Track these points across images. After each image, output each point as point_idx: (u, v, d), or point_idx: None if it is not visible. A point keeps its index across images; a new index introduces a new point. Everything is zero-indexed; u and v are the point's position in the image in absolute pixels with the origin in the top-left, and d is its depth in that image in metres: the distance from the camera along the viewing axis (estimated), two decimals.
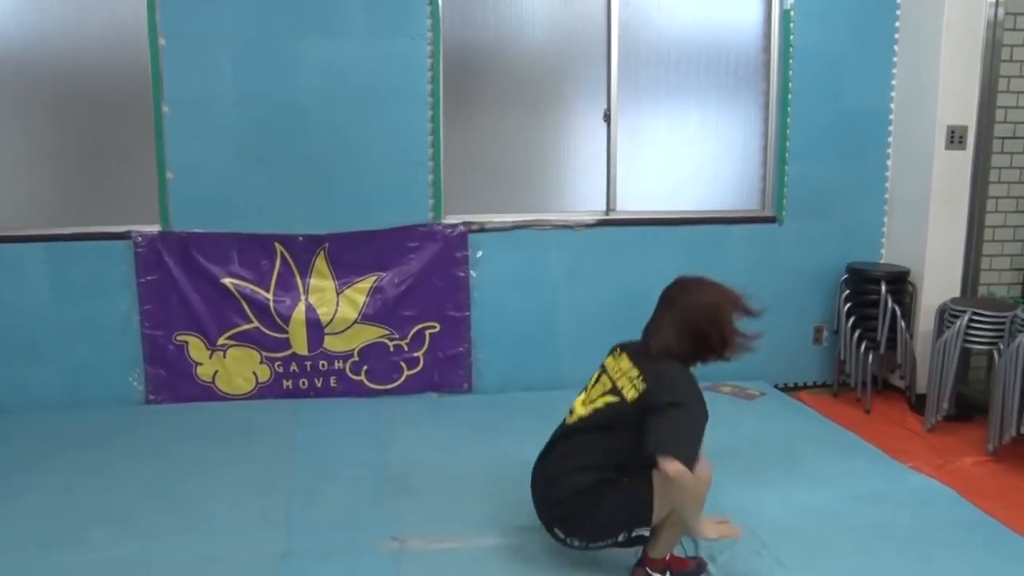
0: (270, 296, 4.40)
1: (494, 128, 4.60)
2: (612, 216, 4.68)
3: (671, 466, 2.29)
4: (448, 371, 4.56)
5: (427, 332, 4.52)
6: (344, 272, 4.43)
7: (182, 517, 3.06)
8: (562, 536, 2.61)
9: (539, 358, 4.67)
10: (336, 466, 3.56)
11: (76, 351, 4.39)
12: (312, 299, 4.42)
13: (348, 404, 4.40)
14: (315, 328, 4.41)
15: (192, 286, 4.37)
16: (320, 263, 4.41)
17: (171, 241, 4.34)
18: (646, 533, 2.55)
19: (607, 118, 4.62)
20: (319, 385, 4.47)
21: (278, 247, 4.38)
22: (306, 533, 2.98)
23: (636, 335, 4.60)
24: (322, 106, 4.37)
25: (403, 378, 4.53)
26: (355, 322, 4.43)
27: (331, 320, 4.42)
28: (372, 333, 4.46)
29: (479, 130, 4.58)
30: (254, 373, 4.44)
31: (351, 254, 4.41)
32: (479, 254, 4.54)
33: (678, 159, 4.77)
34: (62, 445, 3.82)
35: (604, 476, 2.53)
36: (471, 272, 4.53)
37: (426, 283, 4.47)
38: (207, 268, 4.35)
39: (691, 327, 2.51)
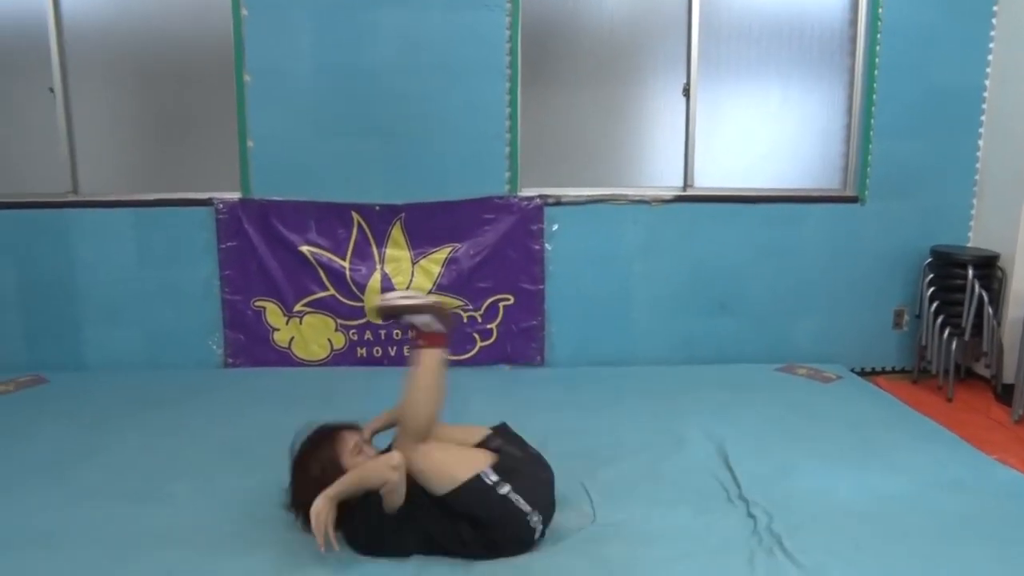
0: (346, 264, 4.44)
1: (571, 101, 4.56)
2: (689, 192, 4.61)
3: None
4: (521, 344, 4.56)
5: (501, 304, 4.52)
6: (420, 242, 4.45)
7: (257, 478, 3.10)
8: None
9: (612, 333, 4.64)
10: None
11: (159, 314, 4.50)
12: (387, 268, 4.46)
13: None
14: None
15: (271, 253, 4.44)
16: (396, 233, 4.44)
17: (251, 208, 4.41)
18: None
19: (686, 92, 4.54)
20: (392, 354, 4.52)
21: (355, 216, 4.42)
22: None
23: (709, 312, 4.60)
24: (399, 77, 4.38)
25: (476, 349, 4.54)
26: (430, 292, 4.45)
27: (406, 290, 4.45)
28: (447, 304, 4.47)
29: (556, 103, 4.55)
30: (329, 340, 4.50)
31: (427, 225, 4.43)
32: (554, 227, 4.52)
33: (757, 135, 4.68)
34: (143, 404, 3.90)
35: None
36: (546, 245, 4.52)
37: (501, 255, 4.47)
38: (285, 235, 4.41)
39: None
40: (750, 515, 2.81)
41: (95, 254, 4.49)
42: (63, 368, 4.47)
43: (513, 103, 4.42)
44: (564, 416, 3.80)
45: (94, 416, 3.74)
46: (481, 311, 4.52)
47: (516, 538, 2.49)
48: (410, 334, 2.73)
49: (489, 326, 4.53)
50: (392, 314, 2.57)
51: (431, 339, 2.56)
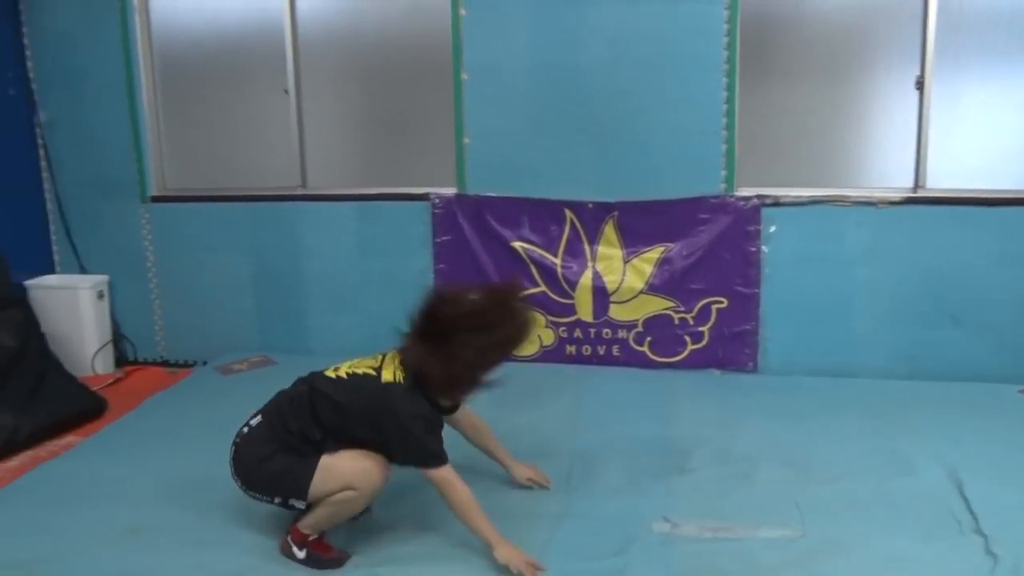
0: (558, 261, 4.46)
1: (791, 96, 4.35)
2: (920, 193, 4.29)
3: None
4: (733, 348, 4.42)
5: (713, 307, 4.39)
6: (632, 241, 4.40)
7: (467, 474, 3.15)
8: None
9: (830, 342, 4.40)
10: (616, 437, 3.54)
11: (377, 302, 4.69)
12: (599, 266, 4.43)
13: (630, 374, 4.37)
14: (601, 296, 4.43)
15: (483, 248, 4.52)
16: (609, 231, 4.41)
17: (466, 203, 4.51)
18: (301, 506, 2.57)
19: (919, 85, 4.23)
20: (602, 353, 4.50)
21: (568, 213, 4.42)
22: (583, 500, 2.99)
23: (938, 324, 4.26)
24: (613, 72, 4.32)
25: (686, 352, 4.45)
26: (641, 292, 4.40)
27: (617, 289, 4.41)
28: (657, 304, 4.40)
29: (775, 98, 4.35)
30: (539, 336, 4.53)
31: (640, 223, 4.37)
32: (772, 229, 4.34)
33: (1002, 131, 4.29)
34: None
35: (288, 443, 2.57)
36: (763, 247, 4.34)
37: (715, 256, 4.34)
38: (498, 231, 4.48)
39: None
40: (989, 552, 2.57)
41: (321, 244, 4.74)
42: (290, 351, 4.74)
43: (731, 98, 4.27)
44: (777, 426, 3.66)
45: None
46: (693, 313, 4.41)
47: None
48: None
49: (701, 329, 4.42)
50: None
51: None
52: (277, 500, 2.61)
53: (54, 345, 4.45)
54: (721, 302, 4.38)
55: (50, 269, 5.10)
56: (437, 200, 4.53)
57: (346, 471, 2.52)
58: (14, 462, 3.60)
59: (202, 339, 4.95)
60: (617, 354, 4.47)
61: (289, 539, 2.65)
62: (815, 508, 2.86)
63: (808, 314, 4.39)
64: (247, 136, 4.84)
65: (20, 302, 4.40)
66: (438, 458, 2.53)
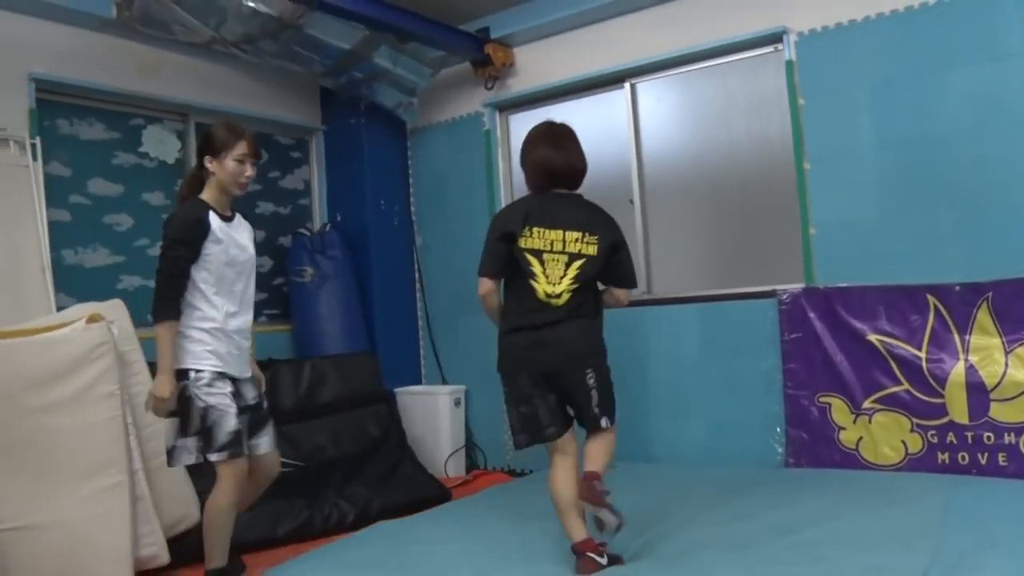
0: (922, 355, 3.97)
1: None
2: None
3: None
4: None
5: None
6: (1013, 327, 3.79)
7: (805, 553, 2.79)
8: (592, 382, 3.01)
9: None
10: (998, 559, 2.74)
11: (721, 407, 4.50)
12: (973, 358, 3.87)
13: (1019, 489, 3.59)
14: (978, 393, 3.83)
15: (836, 344, 4.19)
16: (983, 316, 3.86)
17: (815, 297, 4.25)
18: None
19: None
20: (983, 461, 3.83)
21: (931, 299, 3.97)
22: None
23: None
24: (976, 141, 3.92)
25: None
26: None
27: (998, 384, 3.79)
28: None
29: None
30: (903, 442, 4.02)
31: (1022, 304, 3.78)
32: None
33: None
34: (703, 495, 3.83)
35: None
36: None
37: None
38: (852, 324, 4.14)
39: None
40: None
41: (664, 348, 4.69)
42: (633, 458, 4.66)
43: None
44: None
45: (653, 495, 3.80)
46: None
47: None
48: None
49: None
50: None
51: None
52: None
53: (413, 447, 4.81)
54: None
55: (418, 380, 5.60)
56: (784, 296, 4.32)
57: None
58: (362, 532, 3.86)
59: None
60: (1003, 463, 3.77)
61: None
62: None
63: None
64: None
65: (387, 400, 4.85)
66: None
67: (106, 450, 3.41)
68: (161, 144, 4.87)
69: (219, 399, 2.91)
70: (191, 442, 2.92)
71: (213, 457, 2.92)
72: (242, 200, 5.08)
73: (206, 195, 3.03)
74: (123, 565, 3.32)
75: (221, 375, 2.96)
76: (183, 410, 2.91)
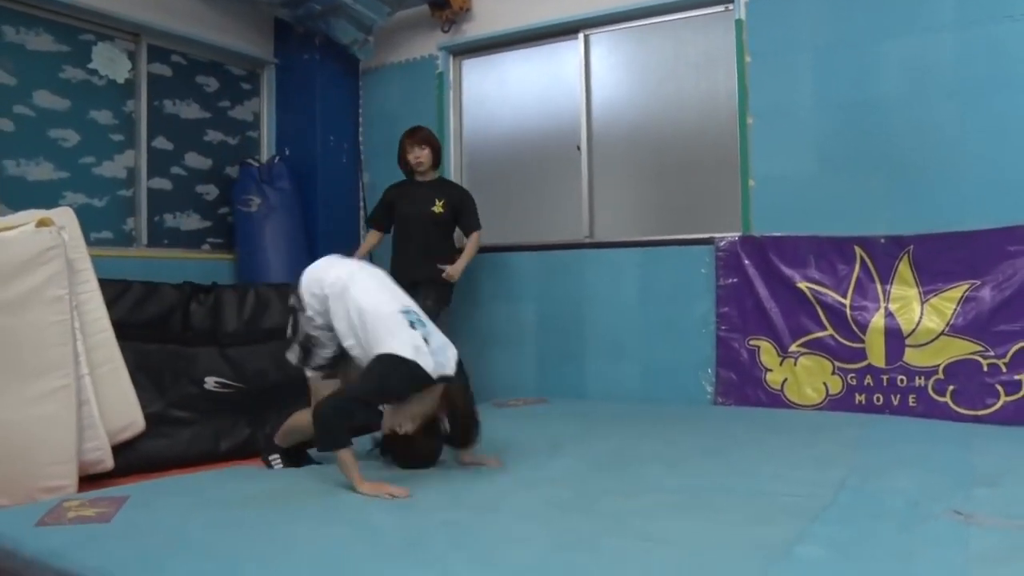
0: (847, 302, 4.22)
1: None
2: None
3: None
4: None
5: None
6: (930, 278, 4.07)
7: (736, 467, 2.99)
8: None
9: None
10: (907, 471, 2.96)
11: (656, 350, 4.68)
12: (893, 307, 4.14)
13: (927, 427, 3.82)
14: (895, 339, 4.10)
15: (768, 290, 4.40)
16: (903, 268, 4.13)
17: (751, 245, 4.45)
18: None
19: None
20: (895, 402, 4.11)
21: (858, 250, 4.21)
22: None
23: None
24: (906, 106, 4.15)
25: (999, 404, 3.93)
26: (941, 334, 4.02)
27: (913, 331, 4.07)
28: (961, 348, 3.99)
29: None
30: (824, 384, 4.27)
31: (939, 258, 4.04)
32: None
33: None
34: (636, 424, 3.99)
35: None
36: None
37: None
38: (784, 271, 4.36)
39: None
40: None
41: (603, 291, 4.86)
42: (566, 395, 4.84)
43: None
44: None
45: (592, 424, 3.95)
46: (1006, 359, 3.93)
47: None
48: None
49: (1016, 377, 3.91)
50: None
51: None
52: None
53: None
54: None
55: None
56: (722, 243, 4.52)
57: None
58: None
59: (487, 381, 5.15)
60: (913, 404, 4.06)
61: None
62: None
63: None
64: (541, 194, 5.17)
65: None
66: None
67: (53, 353, 3.43)
68: (111, 62, 4.81)
69: None
70: None
71: None
72: (190, 128, 5.11)
73: None
74: (69, 466, 3.36)
75: None
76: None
